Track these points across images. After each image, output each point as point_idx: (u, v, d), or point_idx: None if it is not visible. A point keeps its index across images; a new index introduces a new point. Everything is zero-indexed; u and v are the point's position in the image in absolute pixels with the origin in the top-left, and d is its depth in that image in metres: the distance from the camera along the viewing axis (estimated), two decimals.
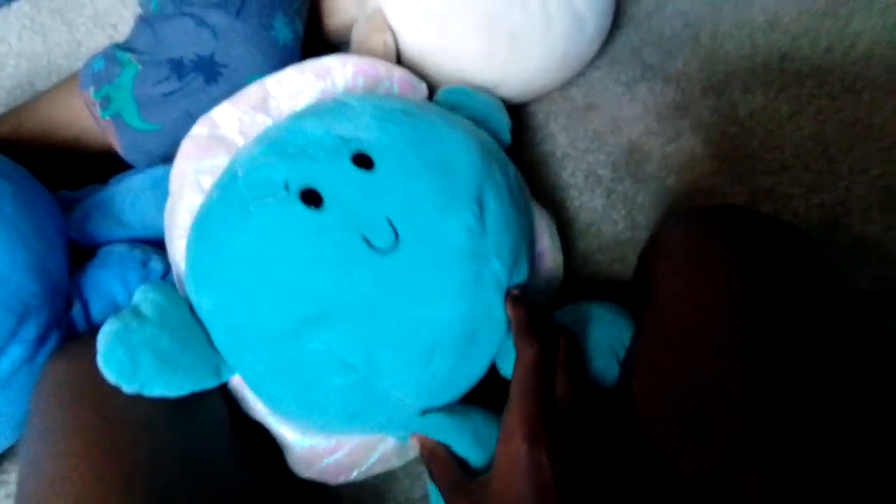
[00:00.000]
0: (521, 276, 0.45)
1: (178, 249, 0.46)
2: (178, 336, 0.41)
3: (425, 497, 0.52)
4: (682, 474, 0.37)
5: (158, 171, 0.53)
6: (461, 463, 0.42)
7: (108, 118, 0.55)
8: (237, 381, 0.44)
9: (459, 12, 0.54)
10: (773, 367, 0.36)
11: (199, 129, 0.47)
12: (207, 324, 0.42)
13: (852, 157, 0.61)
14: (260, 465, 0.47)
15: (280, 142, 0.43)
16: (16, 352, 0.43)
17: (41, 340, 0.45)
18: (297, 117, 0.45)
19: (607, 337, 0.45)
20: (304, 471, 0.46)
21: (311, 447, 0.45)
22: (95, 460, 0.37)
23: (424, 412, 0.44)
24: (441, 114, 0.47)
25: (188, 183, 0.46)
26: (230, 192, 0.42)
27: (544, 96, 0.64)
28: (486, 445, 0.42)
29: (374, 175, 0.40)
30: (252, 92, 0.48)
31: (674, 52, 0.66)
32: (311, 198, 0.40)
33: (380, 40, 0.56)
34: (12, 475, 0.52)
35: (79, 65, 0.69)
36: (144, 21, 0.54)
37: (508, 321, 0.43)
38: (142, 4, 0.56)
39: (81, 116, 0.58)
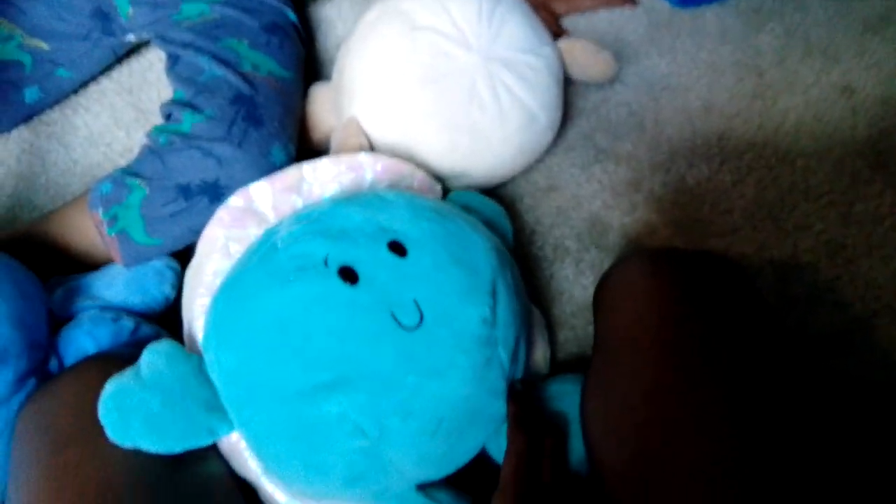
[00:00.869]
0: (519, 365, 0.50)
1: (198, 307, 0.49)
2: (171, 399, 0.43)
3: None
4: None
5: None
6: None
7: (113, 234, 0.59)
8: (229, 443, 0.45)
9: (425, 117, 0.60)
10: (714, 381, 0.39)
11: (235, 200, 0.52)
12: (224, 380, 0.45)
13: (795, 216, 0.66)
14: None
15: (323, 223, 0.47)
16: None
17: (19, 384, 0.49)
18: (340, 203, 0.50)
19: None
20: None
21: None
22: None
23: (419, 486, 0.46)
24: (463, 216, 0.53)
25: (218, 247, 0.50)
26: (270, 261, 0.46)
27: (509, 181, 0.70)
28: None
29: (406, 261, 0.45)
30: (289, 174, 0.54)
31: (622, 137, 0.73)
32: (348, 275, 0.44)
33: (356, 143, 0.62)
34: None
35: (75, 181, 0.74)
36: (153, 151, 0.60)
37: (504, 410, 0.47)
38: (151, 138, 0.61)
39: (88, 233, 0.62)
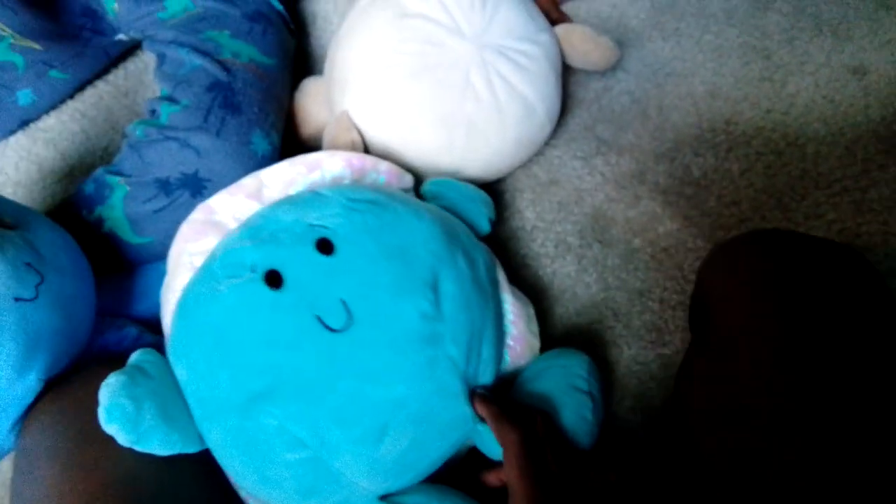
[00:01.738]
0: (486, 360, 0.47)
1: (167, 325, 0.48)
2: (176, 396, 0.43)
3: None
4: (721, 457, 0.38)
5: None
6: None
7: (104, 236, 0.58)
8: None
9: (419, 110, 0.58)
10: (811, 377, 0.37)
11: (196, 214, 0.51)
12: (184, 394, 0.44)
13: (805, 205, 0.64)
14: None
15: (256, 227, 0.46)
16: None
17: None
18: (276, 205, 0.49)
19: (574, 404, 0.47)
20: None
21: None
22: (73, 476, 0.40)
23: (383, 497, 0.44)
24: (410, 203, 0.50)
25: (182, 263, 0.49)
26: (207, 272, 0.45)
27: (508, 176, 0.68)
28: None
29: (333, 259, 0.43)
30: (248, 182, 0.52)
31: (625, 127, 0.71)
32: (274, 279, 0.43)
33: (348, 138, 0.60)
34: None
35: (73, 188, 0.74)
36: (131, 147, 0.59)
37: (474, 412, 0.45)
38: (128, 132, 0.60)
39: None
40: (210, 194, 0.57)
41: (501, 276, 0.53)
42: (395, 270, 0.44)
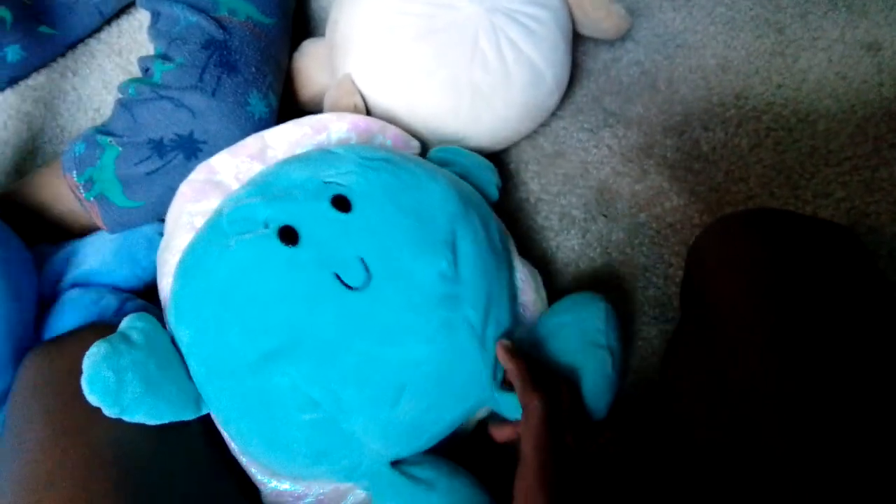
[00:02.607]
0: (502, 326, 0.46)
1: (166, 287, 0.47)
2: (164, 364, 0.41)
3: None
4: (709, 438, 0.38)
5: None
6: None
7: (92, 199, 0.56)
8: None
9: (424, 75, 0.56)
10: (801, 357, 0.36)
11: (196, 174, 0.49)
12: (186, 356, 0.43)
13: (815, 183, 0.63)
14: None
15: (265, 184, 0.44)
16: None
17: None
18: (285, 163, 0.47)
19: (594, 364, 0.47)
20: None
21: (278, 491, 0.44)
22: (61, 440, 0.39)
23: (394, 463, 0.43)
24: (424, 165, 0.48)
25: (182, 223, 0.47)
26: (213, 228, 0.43)
27: (514, 146, 0.67)
28: None
29: (351, 217, 0.42)
30: (250, 143, 0.50)
31: (633, 99, 0.69)
32: (289, 235, 0.41)
33: (350, 103, 0.58)
34: None
35: (63, 148, 0.71)
36: (123, 105, 0.57)
37: (494, 372, 0.44)
38: (120, 89, 0.58)
39: (66, 198, 0.59)
40: (205, 157, 0.55)
41: (511, 244, 0.52)
42: (413, 229, 0.42)
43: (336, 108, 0.59)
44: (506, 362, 0.44)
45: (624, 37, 0.72)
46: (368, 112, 0.60)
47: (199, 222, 0.47)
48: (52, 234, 0.61)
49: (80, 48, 0.76)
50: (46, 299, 0.53)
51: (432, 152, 0.56)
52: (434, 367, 0.41)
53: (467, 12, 0.55)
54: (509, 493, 0.40)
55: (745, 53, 0.71)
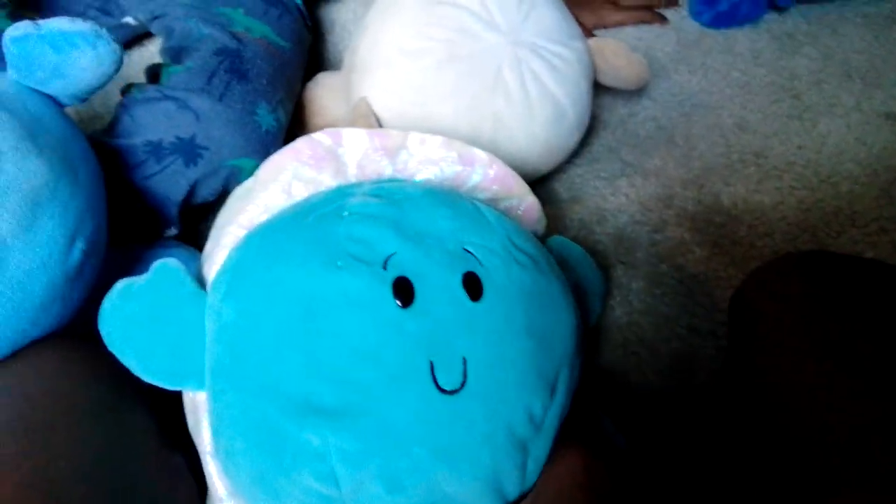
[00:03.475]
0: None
1: (228, 235, 0.41)
2: (188, 318, 0.37)
3: None
4: None
5: None
6: None
7: None
8: (193, 402, 0.38)
9: (444, 100, 0.54)
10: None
11: (323, 137, 0.43)
12: (215, 333, 0.36)
13: (842, 241, 0.60)
14: None
15: (403, 212, 0.38)
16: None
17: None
18: (432, 198, 0.40)
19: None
20: None
21: None
22: None
23: None
24: (559, 276, 0.42)
25: (281, 179, 0.42)
26: (328, 230, 0.37)
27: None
28: None
29: (476, 307, 0.36)
30: (393, 135, 0.44)
31: (650, 152, 0.68)
32: (405, 292, 0.35)
33: (364, 126, 0.56)
34: None
35: None
36: (122, 107, 0.54)
37: None
38: (122, 90, 0.56)
39: None
40: (205, 165, 0.52)
41: None
42: (529, 355, 0.36)
43: None
44: None
45: (640, 94, 0.72)
46: None
47: (298, 188, 0.41)
48: None
49: None
50: None
51: (551, 241, 0.50)
52: (468, 499, 0.35)
53: (492, 42, 0.54)
54: None
55: (762, 116, 0.70)
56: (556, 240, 0.51)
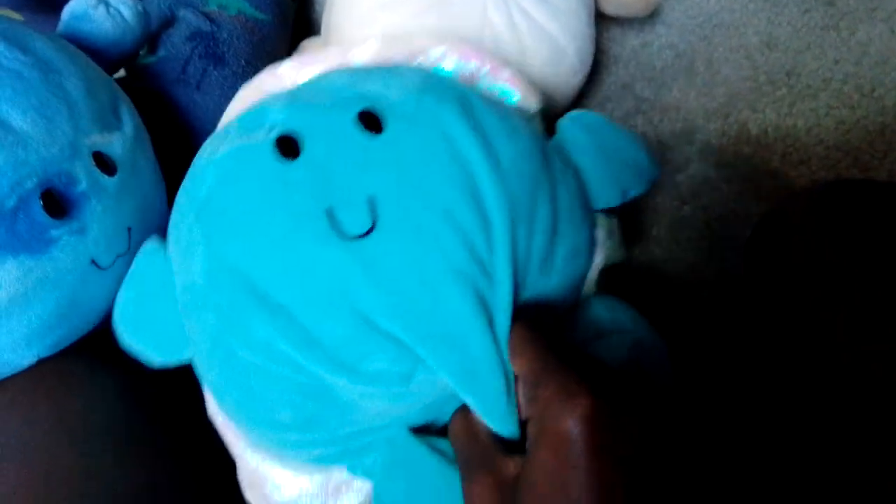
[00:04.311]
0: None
1: None
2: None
3: None
4: None
5: None
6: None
7: None
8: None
9: None
10: None
11: (260, 79, 0.41)
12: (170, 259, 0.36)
13: (889, 162, 0.54)
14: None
15: (300, 88, 0.36)
16: None
17: None
18: (342, 71, 0.38)
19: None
20: (247, 490, 0.36)
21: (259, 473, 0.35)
22: None
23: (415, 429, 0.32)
24: (513, 116, 0.36)
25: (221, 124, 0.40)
26: (224, 129, 0.36)
27: None
28: None
29: (376, 140, 0.31)
30: (332, 54, 0.40)
31: (668, 83, 0.62)
32: (287, 147, 0.32)
33: None
34: None
35: None
36: None
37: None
38: None
39: None
40: None
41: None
42: (455, 177, 0.31)
43: None
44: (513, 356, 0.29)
45: (653, 20, 0.65)
46: None
47: None
48: None
49: None
50: None
51: (564, 122, 0.41)
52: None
53: None
54: None
55: (792, 29, 0.63)
56: (575, 115, 0.42)
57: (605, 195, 0.38)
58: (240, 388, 0.33)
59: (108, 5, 0.44)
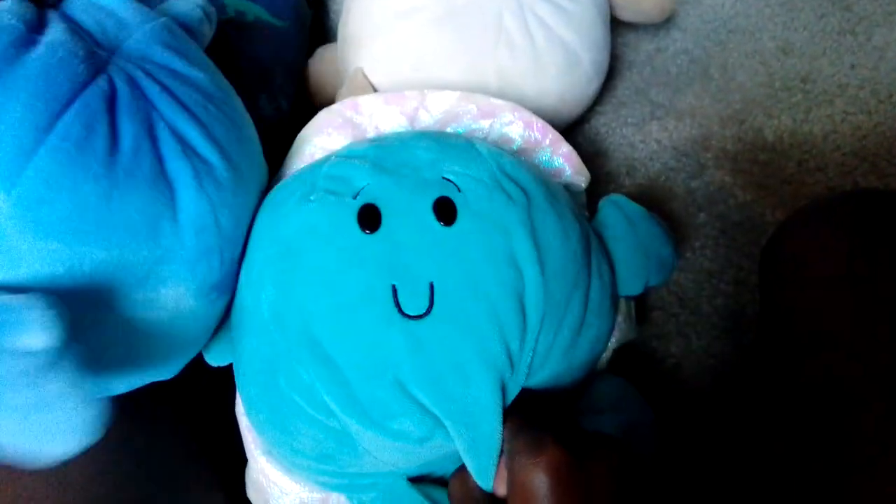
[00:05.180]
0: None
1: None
2: None
3: None
4: None
5: None
6: None
7: None
8: None
9: (439, 61, 0.50)
10: None
11: (341, 106, 0.44)
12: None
13: None
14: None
15: (385, 149, 0.38)
16: None
17: None
18: (422, 135, 0.39)
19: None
20: (251, 489, 0.41)
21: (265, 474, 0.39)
22: None
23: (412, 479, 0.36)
24: (570, 214, 0.38)
25: (302, 151, 0.43)
26: (313, 170, 0.38)
27: None
28: None
29: (447, 232, 0.34)
30: (409, 97, 0.44)
31: (683, 89, 0.62)
32: (370, 218, 0.34)
33: None
34: None
35: None
36: None
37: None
38: None
39: None
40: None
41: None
42: (510, 283, 0.34)
43: None
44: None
45: (668, 26, 0.65)
46: None
47: (320, 157, 0.41)
48: None
49: None
50: None
51: (606, 205, 0.43)
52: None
53: None
54: None
55: (808, 34, 0.63)
56: (612, 201, 0.44)
57: (632, 285, 0.41)
58: (272, 411, 0.35)
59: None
